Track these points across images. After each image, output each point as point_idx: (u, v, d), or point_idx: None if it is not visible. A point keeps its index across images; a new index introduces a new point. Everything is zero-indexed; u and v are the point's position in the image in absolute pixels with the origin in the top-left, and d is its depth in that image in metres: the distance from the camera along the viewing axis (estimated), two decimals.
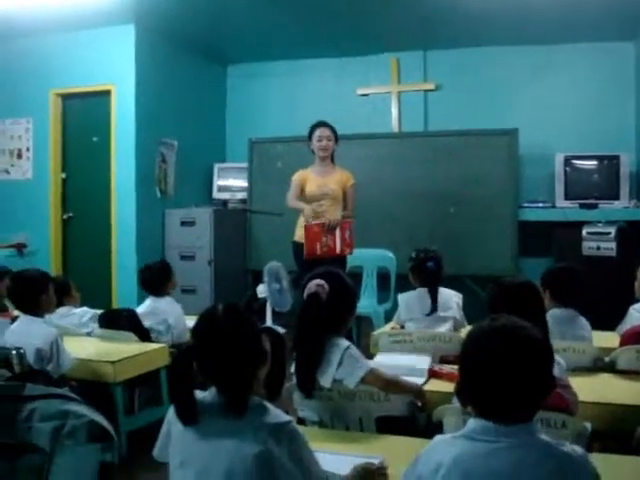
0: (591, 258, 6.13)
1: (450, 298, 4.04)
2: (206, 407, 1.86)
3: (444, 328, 3.88)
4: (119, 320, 4.34)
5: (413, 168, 7.06)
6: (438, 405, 2.36)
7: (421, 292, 4.02)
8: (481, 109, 7.27)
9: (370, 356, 3.38)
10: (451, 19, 6.34)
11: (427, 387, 2.85)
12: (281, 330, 3.01)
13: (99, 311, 4.52)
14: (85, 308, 4.57)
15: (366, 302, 6.36)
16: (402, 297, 4.13)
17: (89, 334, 4.36)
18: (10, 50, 7.02)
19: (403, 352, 3.58)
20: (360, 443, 2.36)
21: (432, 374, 3.04)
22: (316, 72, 7.92)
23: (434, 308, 3.93)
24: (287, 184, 5.60)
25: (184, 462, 1.86)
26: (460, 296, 4.13)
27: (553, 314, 3.34)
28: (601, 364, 3.19)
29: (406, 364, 3.11)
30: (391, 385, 2.59)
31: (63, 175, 7.14)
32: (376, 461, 2.05)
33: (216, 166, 7.95)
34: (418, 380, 2.88)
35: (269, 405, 1.88)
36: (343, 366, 2.56)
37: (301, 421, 2.62)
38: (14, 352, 3.09)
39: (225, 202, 7.78)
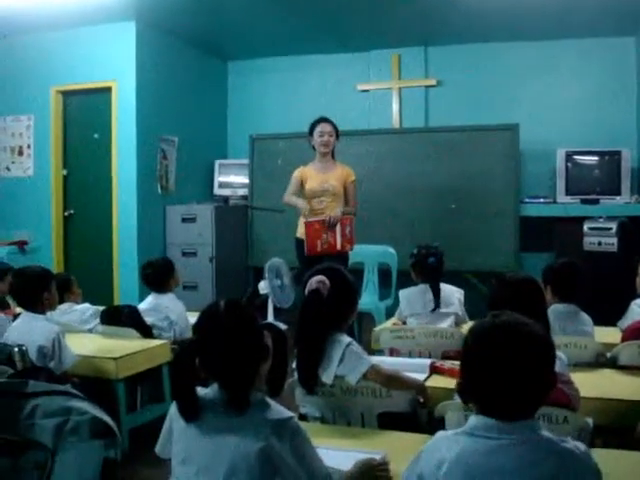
0: (592, 254, 6.14)
1: (452, 294, 4.05)
2: (208, 403, 1.86)
3: (446, 324, 3.89)
4: (121, 317, 4.33)
5: (414, 164, 7.06)
6: (440, 401, 2.36)
7: (422, 288, 4.03)
8: (482, 105, 7.27)
9: (371, 352, 3.39)
10: (452, 15, 6.33)
11: (429, 383, 2.85)
12: (283, 326, 3.02)
13: (101, 307, 4.53)
14: (87, 304, 4.57)
15: (367, 298, 6.36)
16: (403, 293, 4.14)
17: (91, 330, 4.36)
18: (11, 47, 7.01)
19: (404, 348, 3.61)
20: (362, 439, 2.36)
21: (434, 370, 3.04)
22: (317, 68, 7.92)
23: (437, 304, 3.94)
24: (288, 180, 5.60)
25: (186, 458, 1.86)
26: (462, 292, 4.15)
27: (555, 309, 3.35)
28: (603, 359, 3.20)
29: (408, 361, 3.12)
30: (393, 381, 2.59)
31: (64, 172, 7.14)
32: (378, 457, 2.05)
33: (217, 162, 7.96)
34: (420, 376, 2.88)
35: (271, 401, 1.88)
36: (345, 362, 2.57)
37: (303, 417, 2.63)
38: (16, 349, 3.10)
39: (226, 198, 7.78)
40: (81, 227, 7.15)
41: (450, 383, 2.70)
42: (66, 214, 7.16)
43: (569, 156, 6.74)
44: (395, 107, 7.64)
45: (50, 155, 7.07)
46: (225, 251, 7.28)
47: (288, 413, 1.85)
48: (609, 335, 3.61)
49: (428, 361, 3.13)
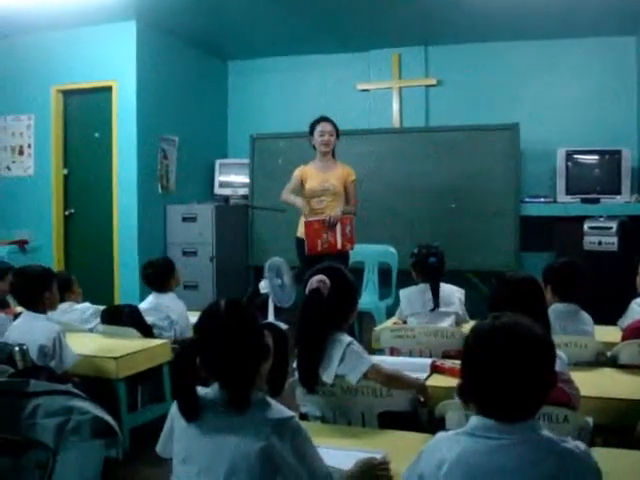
0: (593, 253, 6.14)
1: (452, 293, 4.06)
2: (209, 403, 1.87)
3: (446, 323, 3.90)
4: (121, 316, 4.34)
5: (414, 163, 7.06)
6: (440, 400, 2.36)
7: (423, 287, 4.03)
8: (482, 104, 7.27)
9: (372, 351, 3.39)
10: (452, 15, 6.33)
11: (429, 382, 2.85)
12: (283, 326, 3.02)
13: (101, 307, 4.53)
14: (87, 304, 4.57)
15: (368, 298, 6.37)
16: (404, 292, 4.15)
17: (91, 330, 4.36)
18: (12, 47, 7.01)
19: (405, 347, 3.61)
20: (362, 438, 2.36)
21: (434, 369, 3.04)
22: (317, 68, 7.92)
23: (436, 304, 3.95)
24: (289, 180, 5.61)
25: (187, 458, 1.86)
26: (462, 291, 4.15)
27: (555, 309, 3.35)
28: (603, 359, 3.20)
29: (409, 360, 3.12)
30: (393, 380, 2.60)
31: (65, 171, 7.14)
32: (378, 456, 2.05)
33: (217, 162, 7.96)
34: (420, 375, 2.88)
35: (272, 401, 1.88)
36: (345, 362, 2.57)
37: (304, 416, 2.63)
38: (17, 348, 3.09)
39: (227, 198, 7.78)
40: (82, 226, 7.15)
41: (451, 382, 2.70)
42: (66, 213, 7.16)
43: (569, 155, 6.74)
44: (395, 107, 7.64)
45: (51, 154, 7.07)
46: (226, 251, 7.28)
47: (289, 412, 1.86)
48: (609, 334, 3.62)
49: (429, 360, 3.13)
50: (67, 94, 7.08)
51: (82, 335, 4.20)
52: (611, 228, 6.17)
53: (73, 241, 7.20)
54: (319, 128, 5.47)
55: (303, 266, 5.23)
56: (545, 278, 3.51)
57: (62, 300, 4.16)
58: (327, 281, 2.61)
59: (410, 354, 3.58)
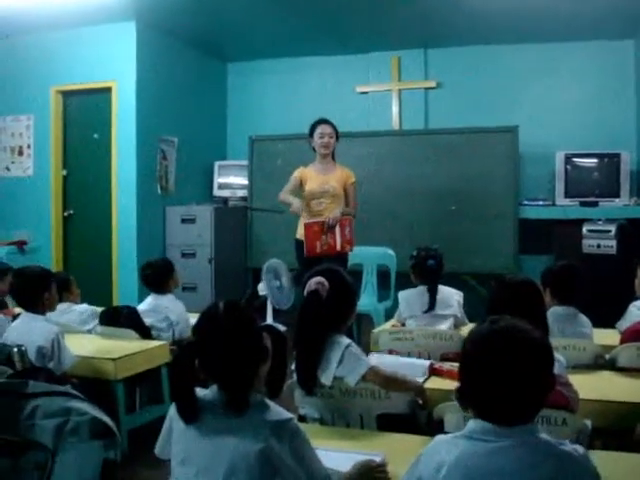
0: (591, 256, 6.14)
1: (451, 296, 4.06)
2: (207, 405, 1.87)
3: (445, 326, 3.90)
4: (120, 317, 4.33)
5: (413, 166, 7.07)
6: (439, 403, 2.36)
7: (422, 290, 4.03)
8: (482, 107, 7.27)
9: (370, 354, 3.39)
10: (452, 17, 6.34)
11: (428, 385, 2.85)
12: (281, 327, 3.02)
13: (99, 308, 4.53)
14: (85, 305, 4.57)
15: (366, 300, 6.36)
16: (402, 295, 4.15)
17: (90, 331, 4.36)
18: (11, 47, 7.01)
19: (403, 350, 3.61)
20: (361, 440, 2.36)
21: (433, 371, 3.04)
22: (317, 70, 7.93)
23: (431, 306, 3.95)
24: (287, 182, 5.60)
25: (186, 459, 1.86)
26: (461, 294, 4.15)
27: (554, 312, 3.35)
28: (602, 361, 3.20)
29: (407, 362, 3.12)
30: (392, 383, 2.60)
31: (64, 172, 7.15)
32: (377, 458, 2.06)
33: (216, 164, 7.96)
34: (419, 378, 2.88)
35: (270, 402, 1.88)
36: (344, 364, 2.57)
37: (302, 418, 2.63)
38: (15, 349, 3.09)
39: (226, 200, 7.78)
40: (80, 227, 7.15)
41: (449, 385, 2.70)
42: (65, 214, 7.16)
43: (568, 158, 6.75)
44: (395, 109, 7.65)
45: (50, 155, 7.07)
46: (224, 252, 7.28)
47: (287, 414, 1.86)
48: (608, 337, 3.62)
49: (427, 363, 3.13)
50: (66, 95, 7.09)
51: (80, 336, 4.20)
52: (610, 231, 6.18)
53: (72, 242, 7.20)
54: (319, 130, 5.46)
55: (302, 268, 5.23)
56: (544, 281, 3.52)
57: (60, 300, 4.16)
58: (326, 283, 2.61)
59: (409, 356, 3.58)
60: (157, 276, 4.60)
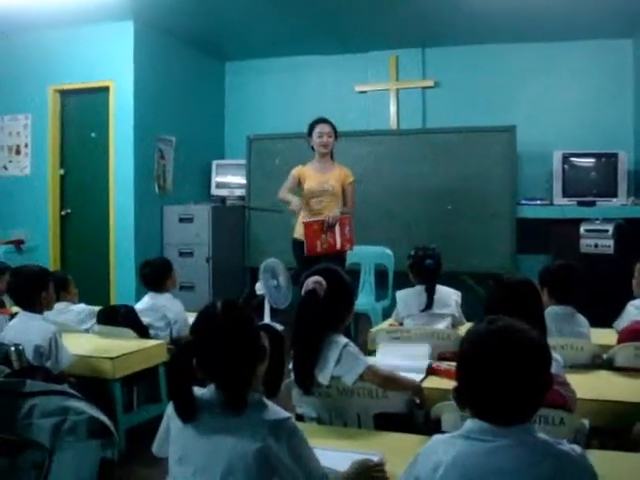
0: (589, 255, 6.15)
1: (449, 296, 4.06)
2: (205, 404, 1.87)
3: (442, 325, 3.90)
4: (117, 316, 4.33)
5: (411, 165, 7.06)
6: (436, 402, 2.36)
7: (419, 289, 4.04)
8: (479, 106, 7.27)
9: (368, 353, 3.39)
10: (450, 16, 6.34)
11: (425, 384, 2.86)
12: (279, 327, 3.02)
13: (96, 308, 4.52)
14: (82, 305, 4.57)
15: (364, 299, 6.36)
16: (400, 294, 4.15)
17: (87, 331, 4.36)
18: (9, 46, 7.00)
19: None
20: (358, 440, 2.36)
21: (430, 371, 3.04)
22: (314, 69, 7.92)
23: (429, 305, 3.95)
24: (285, 181, 5.59)
25: (183, 458, 1.86)
26: (459, 294, 4.16)
27: (551, 311, 3.35)
28: (599, 361, 3.20)
29: (405, 362, 3.12)
30: (389, 382, 2.60)
31: (61, 171, 7.14)
32: (375, 458, 2.05)
33: (214, 163, 7.95)
34: (416, 377, 2.88)
35: (268, 402, 1.88)
36: (341, 363, 2.57)
37: (300, 418, 2.63)
38: (13, 348, 3.09)
39: (223, 199, 7.78)
40: (78, 226, 7.14)
41: (446, 384, 2.71)
42: (63, 213, 7.15)
43: (566, 158, 6.75)
44: (392, 108, 7.65)
45: (47, 154, 7.06)
46: (222, 252, 7.28)
47: (285, 414, 1.86)
48: (605, 337, 3.62)
49: (425, 362, 3.13)
50: (64, 94, 7.08)
51: (78, 335, 4.20)
52: (607, 231, 6.18)
53: (69, 241, 7.19)
54: (317, 129, 5.46)
55: (300, 267, 5.23)
56: (541, 280, 3.52)
57: (58, 300, 4.15)
58: (323, 282, 2.61)
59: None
60: (155, 275, 4.60)
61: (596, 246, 6.19)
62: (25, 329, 3.45)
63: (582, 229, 6.27)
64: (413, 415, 2.61)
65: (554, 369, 1.89)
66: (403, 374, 2.73)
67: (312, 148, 5.53)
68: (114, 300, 6.70)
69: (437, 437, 1.67)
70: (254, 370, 1.89)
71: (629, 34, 6.81)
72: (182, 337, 4.33)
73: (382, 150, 7.21)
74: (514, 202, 6.79)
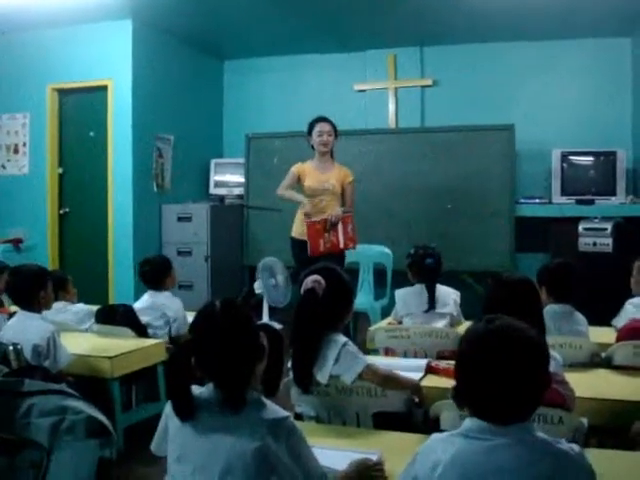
0: (587, 254, 6.15)
1: (448, 295, 4.07)
2: (203, 403, 1.87)
3: (441, 324, 3.90)
4: (115, 316, 4.33)
5: (410, 164, 7.06)
6: (435, 401, 2.36)
7: (419, 288, 4.04)
8: (478, 105, 7.27)
9: (366, 352, 3.39)
10: (448, 15, 6.34)
11: (424, 383, 2.85)
12: (277, 325, 3.02)
13: (95, 308, 4.52)
14: (81, 305, 4.56)
15: (363, 298, 6.35)
16: (399, 293, 4.15)
17: (86, 330, 4.35)
18: (7, 45, 6.99)
19: (400, 348, 3.61)
20: (357, 439, 2.36)
21: (429, 370, 3.04)
22: (313, 68, 7.92)
23: (432, 305, 3.95)
24: (284, 179, 5.59)
25: (181, 457, 1.86)
26: (458, 294, 4.16)
27: (550, 310, 3.35)
28: (598, 359, 3.20)
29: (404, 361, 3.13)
30: (388, 381, 2.60)
31: (60, 170, 7.13)
32: (374, 457, 2.05)
33: (213, 161, 7.95)
34: (415, 376, 2.88)
35: (267, 401, 1.88)
36: (340, 362, 2.57)
37: (298, 416, 2.63)
38: (11, 348, 3.08)
39: (222, 198, 7.77)
40: (76, 225, 7.14)
41: (445, 383, 2.70)
42: (61, 212, 7.15)
43: (564, 156, 6.75)
44: (391, 107, 7.65)
45: (46, 153, 7.06)
46: (221, 250, 7.28)
47: (284, 413, 1.86)
48: (604, 335, 3.62)
49: (423, 361, 3.14)
50: (62, 93, 7.07)
51: (76, 334, 4.19)
52: (606, 229, 6.18)
53: (68, 240, 7.19)
54: (317, 128, 5.45)
55: (298, 266, 5.23)
56: (540, 279, 3.52)
57: (56, 299, 4.15)
58: (322, 281, 2.61)
59: (405, 354, 3.59)
60: (155, 273, 4.60)
61: (595, 244, 6.20)
62: (23, 328, 3.44)
63: (581, 227, 6.27)
64: (412, 414, 2.61)
65: (553, 368, 1.89)
66: (402, 373, 2.73)
67: (312, 147, 5.52)
68: (112, 299, 6.70)
69: (436, 436, 1.67)
70: (253, 369, 1.89)
71: (628, 33, 6.81)
72: (181, 335, 4.33)
73: (381, 149, 7.21)
74: (513, 200, 6.78)
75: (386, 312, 5.14)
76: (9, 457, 1.78)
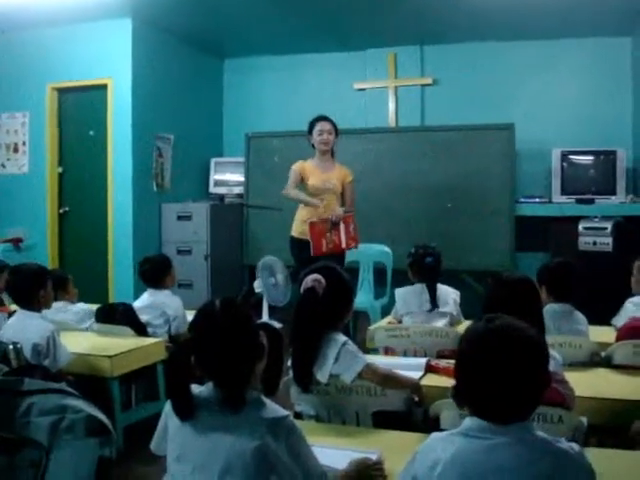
0: (587, 253, 6.14)
1: (448, 294, 4.07)
2: (203, 402, 1.87)
3: (441, 323, 3.90)
4: (115, 315, 4.33)
5: (410, 163, 7.06)
6: (435, 400, 2.36)
7: (419, 287, 4.04)
8: (478, 104, 7.27)
9: (366, 351, 3.39)
10: (448, 14, 6.34)
11: (424, 382, 2.85)
12: (277, 324, 3.01)
13: (94, 306, 4.51)
14: (81, 304, 4.56)
15: (363, 297, 6.35)
16: (399, 292, 4.15)
17: (86, 330, 4.35)
18: (7, 44, 6.99)
19: (399, 347, 3.61)
20: (357, 438, 2.36)
21: (429, 369, 3.04)
22: (313, 66, 7.92)
23: (434, 305, 3.95)
24: (284, 178, 5.58)
25: (181, 456, 1.86)
26: (458, 293, 4.16)
27: (550, 309, 3.35)
28: (597, 359, 3.20)
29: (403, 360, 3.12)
30: (388, 380, 2.60)
31: (60, 169, 7.13)
32: (373, 456, 2.05)
33: (213, 160, 7.95)
34: (415, 375, 2.88)
35: (266, 400, 1.88)
36: (340, 361, 2.57)
37: (298, 415, 2.63)
38: (11, 347, 3.09)
39: (222, 197, 7.77)
40: (76, 225, 7.14)
41: (445, 382, 2.70)
42: (61, 211, 7.15)
43: (564, 156, 6.75)
44: (391, 106, 7.65)
45: (45, 152, 7.06)
46: (220, 249, 7.27)
47: (283, 412, 1.85)
48: (604, 334, 3.62)
49: (423, 360, 3.14)
50: (62, 92, 7.07)
51: (76, 334, 4.19)
52: (606, 229, 6.18)
53: (68, 239, 7.19)
54: (318, 127, 5.45)
55: (298, 265, 5.22)
56: (540, 278, 3.52)
57: (56, 299, 4.15)
58: (322, 280, 2.61)
59: (405, 354, 3.59)
60: (155, 271, 4.60)
61: (595, 244, 6.19)
62: (23, 327, 3.45)
63: (581, 227, 6.27)
64: (412, 413, 2.61)
65: (552, 367, 1.89)
66: (402, 372, 2.73)
67: (312, 146, 5.52)
68: (112, 298, 6.69)
69: (435, 435, 1.67)
70: (252, 368, 1.89)
71: (628, 32, 6.80)
72: (181, 334, 4.33)
73: (381, 148, 7.20)
74: (513, 200, 6.78)
75: (386, 311, 5.14)
76: (9, 456, 1.78)
